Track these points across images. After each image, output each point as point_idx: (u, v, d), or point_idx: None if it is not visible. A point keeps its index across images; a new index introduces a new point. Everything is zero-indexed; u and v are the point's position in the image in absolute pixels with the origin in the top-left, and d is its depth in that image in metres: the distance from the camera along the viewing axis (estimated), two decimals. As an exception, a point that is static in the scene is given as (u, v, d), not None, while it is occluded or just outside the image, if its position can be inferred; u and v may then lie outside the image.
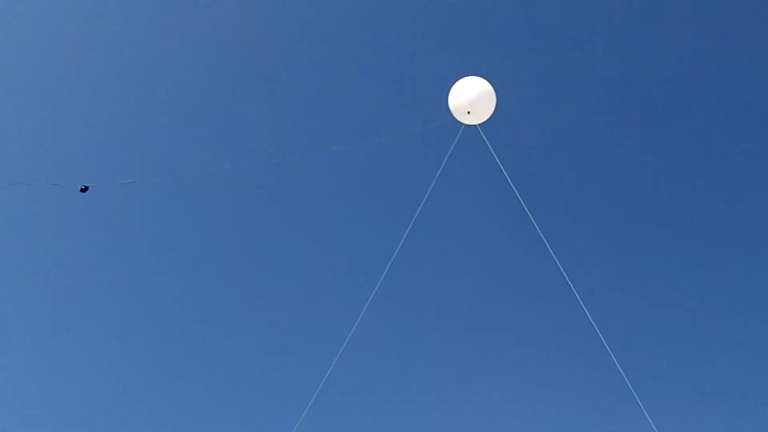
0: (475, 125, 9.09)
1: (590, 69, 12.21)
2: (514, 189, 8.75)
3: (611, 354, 7.60)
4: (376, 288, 8.66)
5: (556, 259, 8.36)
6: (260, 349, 12.25)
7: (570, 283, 8.30)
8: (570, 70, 12.21)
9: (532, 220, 8.55)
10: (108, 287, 12.49)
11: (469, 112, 8.70)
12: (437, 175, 8.78)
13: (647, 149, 12.01)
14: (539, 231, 8.26)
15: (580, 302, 8.20)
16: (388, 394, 11.68)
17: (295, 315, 12.24)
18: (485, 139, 8.94)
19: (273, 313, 12.33)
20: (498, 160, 8.82)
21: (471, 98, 8.68)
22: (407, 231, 8.64)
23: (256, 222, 12.69)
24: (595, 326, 7.71)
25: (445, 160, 8.96)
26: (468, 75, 8.84)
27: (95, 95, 12.50)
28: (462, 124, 8.93)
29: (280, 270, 12.55)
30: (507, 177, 8.83)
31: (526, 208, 8.74)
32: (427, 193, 8.83)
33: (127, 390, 12.01)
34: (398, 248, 8.65)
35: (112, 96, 12.53)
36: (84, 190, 8.56)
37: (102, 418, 11.77)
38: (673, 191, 11.88)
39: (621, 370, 7.54)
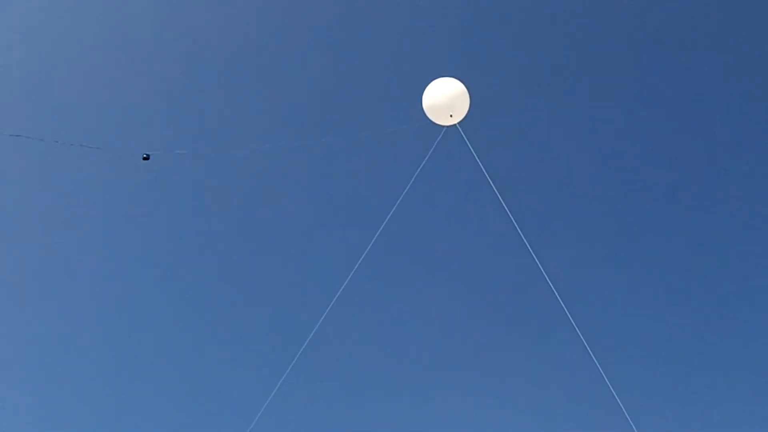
0: (454, 125, 9.10)
1: (569, 67, 12.24)
2: (493, 186, 8.75)
3: (590, 350, 7.58)
4: (346, 281, 8.74)
5: (535, 256, 8.32)
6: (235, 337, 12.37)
7: (549, 281, 8.25)
8: (548, 69, 12.26)
9: (511, 217, 8.53)
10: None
11: (451, 116, 8.74)
12: (416, 174, 8.83)
13: (626, 148, 12.13)
14: (517, 226, 8.25)
15: (560, 301, 8.17)
16: (356, 387, 11.77)
17: (270, 305, 12.38)
18: (465, 137, 8.95)
19: (253, 303, 12.45)
20: (477, 158, 8.82)
21: (445, 102, 8.71)
22: (382, 225, 8.69)
23: (240, 212, 12.82)
24: (573, 323, 7.72)
25: (424, 161, 9.01)
26: (447, 75, 8.88)
27: (153, 70, 12.80)
28: (439, 125, 8.98)
29: (258, 262, 12.64)
30: (486, 174, 8.83)
31: (505, 206, 8.72)
32: (405, 191, 8.88)
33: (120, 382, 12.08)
34: (372, 242, 8.70)
35: (171, 69, 12.88)
36: (146, 158, 8.67)
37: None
38: (652, 191, 11.99)
39: (599, 367, 7.51)
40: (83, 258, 12.50)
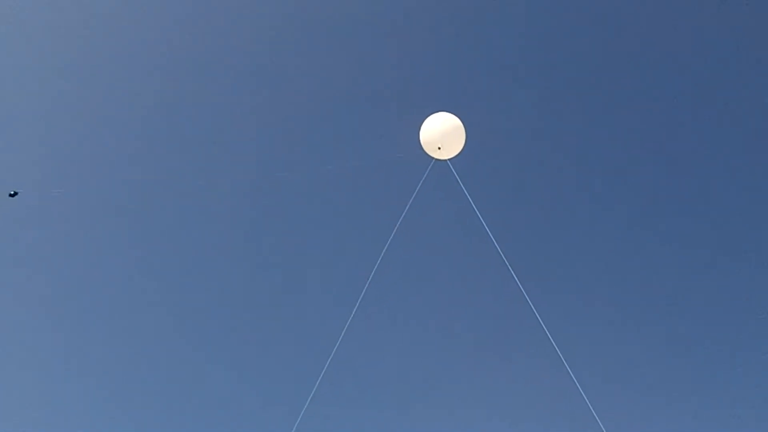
0: (445, 160, 9.44)
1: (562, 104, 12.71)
2: (482, 221, 9.12)
3: (565, 363, 8.03)
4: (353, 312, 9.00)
5: (520, 284, 8.70)
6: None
7: (537, 314, 8.65)
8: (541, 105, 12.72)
9: (497, 247, 8.90)
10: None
11: (439, 148, 9.11)
12: (407, 207, 9.18)
13: (613, 183, 12.59)
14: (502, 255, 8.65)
15: (546, 331, 8.57)
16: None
17: (259, 341, 12.50)
18: (455, 173, 9.34)
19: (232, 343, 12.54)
20: (467, 194, 9.20)
21: (441, 134, 9.11)
22: (378, 260, 9.01)
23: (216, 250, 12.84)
24: (555, 345, 8.15)
25: (414, 193, 9.37)
26: (444, 109, 9.30)
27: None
28: (432, 158, 9.37)
29: (246, 298, 12.70)
30: (475, 209, 9.20)
31: (493, 239, 9.07)
32: (396, 225, 9.20)
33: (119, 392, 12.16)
34: (370, 277, 8.99)
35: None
36: (13, 195, 8.33)
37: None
38: (636, 222, 12.46)
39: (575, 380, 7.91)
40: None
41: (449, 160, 9.41)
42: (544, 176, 12.62)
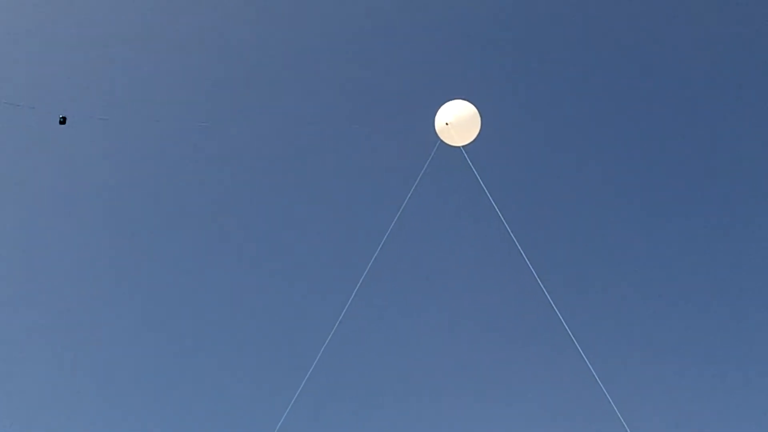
0: (459, 147, 9.39)
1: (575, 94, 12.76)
2: (494, 203, 9.05)
3: (582, 353, 7.87)
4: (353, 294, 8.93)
5: (534, 272, 8.59)
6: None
7: (550, 299, 8.53)
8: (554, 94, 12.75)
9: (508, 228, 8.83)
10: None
11: (447, 124, 9.00)
12: (414, 186, 9.14)
13: (626, 173, 12.72)
14: (514, 237, 8.56)
15: (558, 314, 8.47)
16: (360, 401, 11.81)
17: (270, 319, 12.49)
18: (467, 158, 9.28)
19: (244, 318, 12.52)
20: (479, 178, 9.14)
21: (455, 117, 9.05)
22: (384, 238, 8.95)
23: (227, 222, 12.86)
24: (568, 329, 8.03)
25: (421, 173, 9.32)
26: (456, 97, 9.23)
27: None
28: (442, 141, 9.30)
29: (255, 276, 12.75)
30: (486, 192, 9.13)
31: (506, 224, 9.00)
32: (403, 204, 9.16)
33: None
34: (376, 252, 8.93)
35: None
36: (63, 121, 8.45)
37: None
38: (645, 210, 12.61)
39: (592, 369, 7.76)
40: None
41: (463, 146, 9.35)
42: (558, 164, 12.65)
